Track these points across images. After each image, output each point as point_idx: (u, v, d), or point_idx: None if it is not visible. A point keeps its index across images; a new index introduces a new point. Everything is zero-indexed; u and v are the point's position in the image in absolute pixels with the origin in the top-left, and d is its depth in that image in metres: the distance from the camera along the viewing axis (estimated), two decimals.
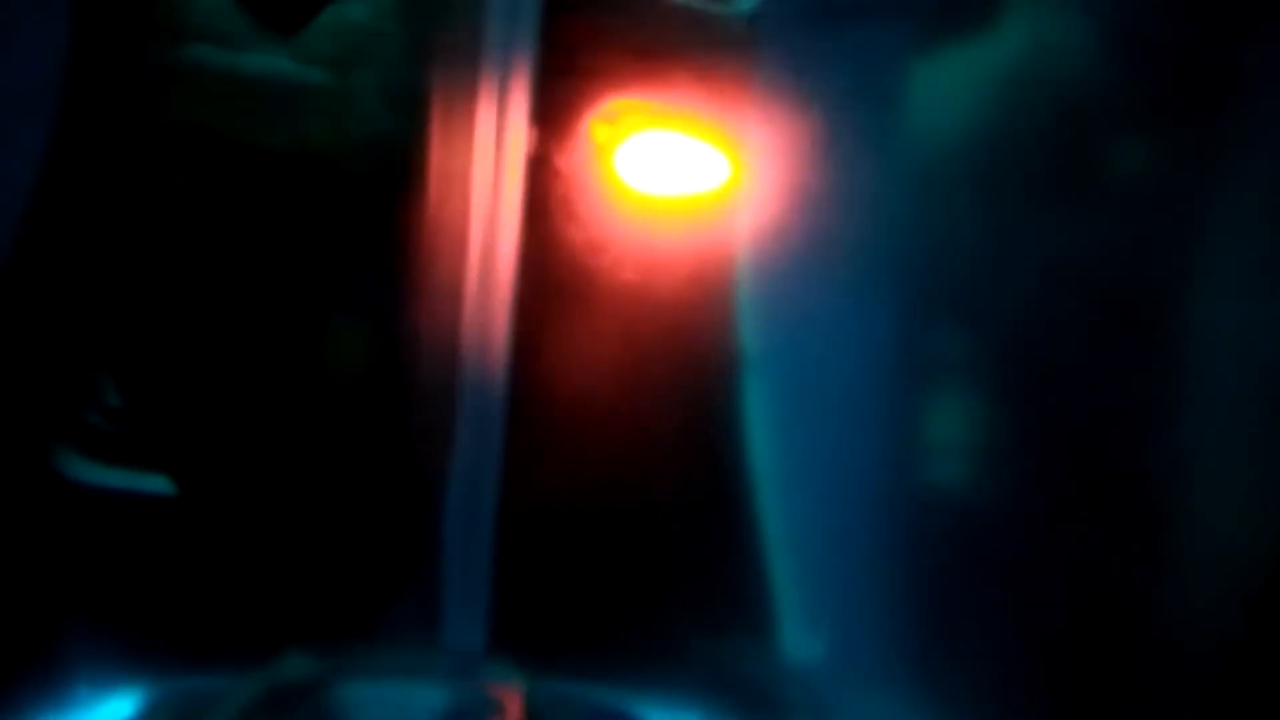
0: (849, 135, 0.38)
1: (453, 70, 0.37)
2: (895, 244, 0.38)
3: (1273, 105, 0.35)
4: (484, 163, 0.37)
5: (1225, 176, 0.36)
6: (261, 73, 0.38)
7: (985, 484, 0.39)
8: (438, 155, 0.38)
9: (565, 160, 0.38)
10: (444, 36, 0.37)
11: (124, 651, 0.38)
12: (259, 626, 0.38)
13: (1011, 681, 0.38)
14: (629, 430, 0.40)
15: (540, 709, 0.37)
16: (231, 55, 0.38)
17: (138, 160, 0.39)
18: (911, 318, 0.39)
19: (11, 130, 0.36)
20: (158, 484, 0.40)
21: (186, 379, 0.40)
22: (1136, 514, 0.37)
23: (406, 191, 0.38)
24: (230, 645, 0.38)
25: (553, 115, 0.38)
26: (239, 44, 0.38)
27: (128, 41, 0.38)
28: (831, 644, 0.40)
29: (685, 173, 0.39)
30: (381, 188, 0.39)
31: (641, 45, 0.38)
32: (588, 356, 0.39)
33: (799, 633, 0.40)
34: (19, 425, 0.39)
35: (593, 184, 0.39)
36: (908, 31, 0.38)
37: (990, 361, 0.39)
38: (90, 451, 0.40)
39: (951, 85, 0.37)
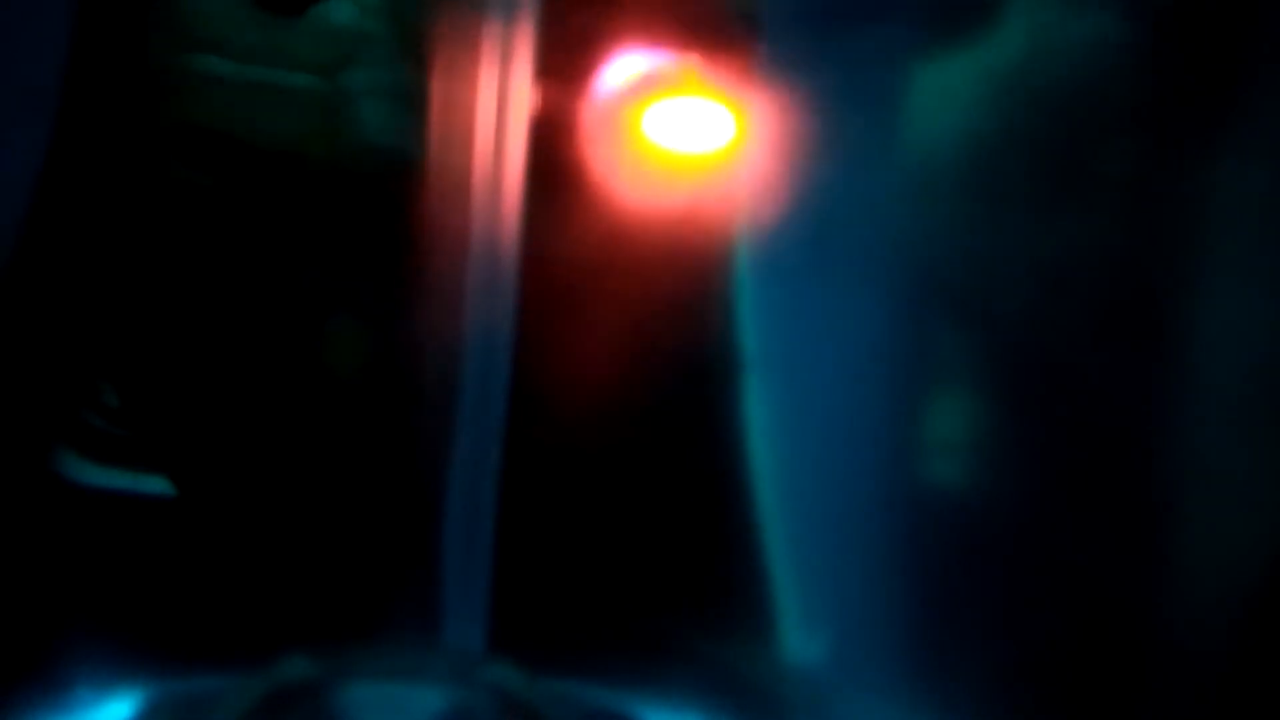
0: (849, 135, 0.38)
1: (451, 69, 0.37)
2: (895, 244, 0.38)
3: (1273, 105, 0.35)
4: (484, 162, 0.37)
5: (1225, 176, 0.36)
6: (259, 74, 0.38)
7: (985, 484, 0.39)
8: (437, 154, 0.38)
9: (566, 159, 0.38)
10: (440, 33, 0.37)
11: (124, 652, 0.38)
12: (259, 627, 0.38)
13: (1012, 682, 0.38)
14: (629, 431, 0.40)
15: (540, 709, 0.37)
16: (231, 56, 0.38)
17: (137, 162, 0.39)
18: (911, 318, 0.39)
19: (11, 130, 0.36)
20: (157, 485, 0.40)
21: (186, 380, 0.40)
22: (1137, 514, 0.37)
23: (406, 192, 0.38)
24: (230, 645, 0.38)
25: (554, 111, 0.38)
26: (238, 46, 0.38)
27: (127, 43, 0.38)
28: (831, 644, 0.40)
29: (686, 142, 0.39)
30: (381, 188, 0.39)
31: (645, 26, 0.38)
32: (588, 357, 0.39)
33: (799, 633, 0.40)
34: (19, 425, 0.39)
35: (594, 183, 0.39)
36: (908, 32, 0.38)
37: (991, 361, 0.39)
38: (90, 452, 0.40)
39: (952, 86, 0.37)
